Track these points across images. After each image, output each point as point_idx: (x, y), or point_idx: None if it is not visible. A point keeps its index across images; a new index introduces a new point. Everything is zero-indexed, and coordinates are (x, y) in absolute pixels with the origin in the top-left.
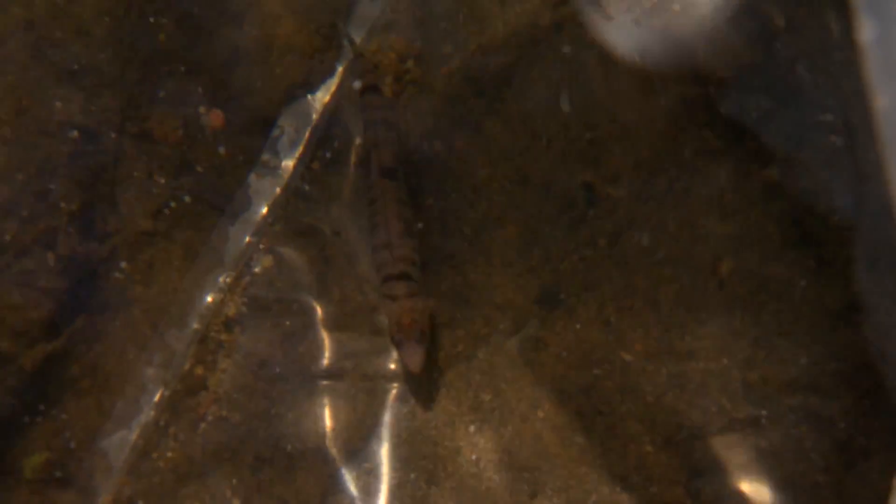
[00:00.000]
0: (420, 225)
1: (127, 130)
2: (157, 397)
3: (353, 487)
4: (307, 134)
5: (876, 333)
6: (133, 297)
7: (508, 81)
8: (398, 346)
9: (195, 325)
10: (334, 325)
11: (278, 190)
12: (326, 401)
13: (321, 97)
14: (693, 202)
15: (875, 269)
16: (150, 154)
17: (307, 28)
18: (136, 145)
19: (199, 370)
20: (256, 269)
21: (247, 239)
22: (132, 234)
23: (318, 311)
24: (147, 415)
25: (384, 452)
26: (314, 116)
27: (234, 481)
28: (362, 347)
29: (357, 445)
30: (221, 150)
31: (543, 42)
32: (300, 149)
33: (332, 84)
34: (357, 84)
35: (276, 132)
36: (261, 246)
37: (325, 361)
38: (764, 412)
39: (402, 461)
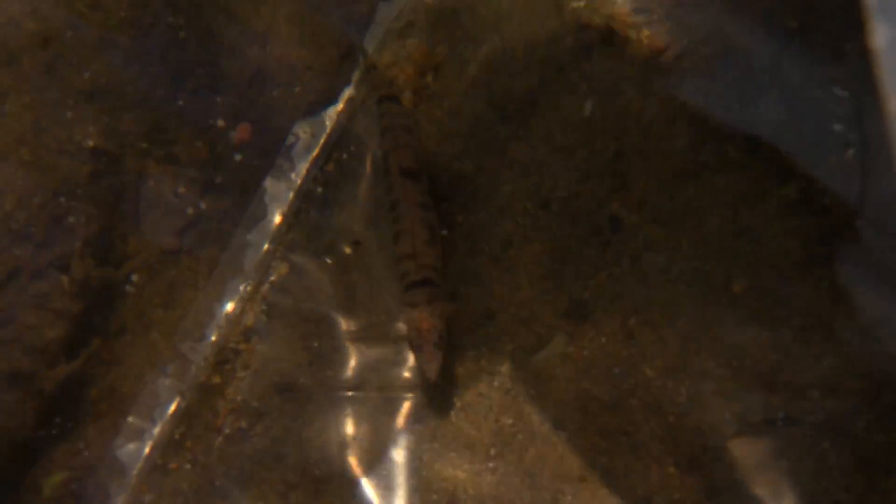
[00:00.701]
0: (444, 232)
1: (152, 153)
2: (172, 408)
3: None
4: (322, 140)
5: None
6: (152, 320)
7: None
8: (416, 350)
9: (213, 337)
10: (354, 335)
11: (292, 195)
12: (346, 414)
13: (336, 107)
14: (709, 221)
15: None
16: (174, 174)
17: (328, 49)
18: (160, 165)
19: (217, 379)
20: (273, 278)
21: (265, 247)
22: (154, 254)
23: (338, 320)
24: (162, 427)
25: (404, 475)
26: (328, 124)
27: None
28: (382, 357)
29: (377, 465)
30: (238, 157)
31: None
32: (315, 153)
33: (347, 93)
34: (373, 95)
35: (290, 139)
36: (277, 254)
37: (346, 372)
38: (785, 430)
39: (423, 483)
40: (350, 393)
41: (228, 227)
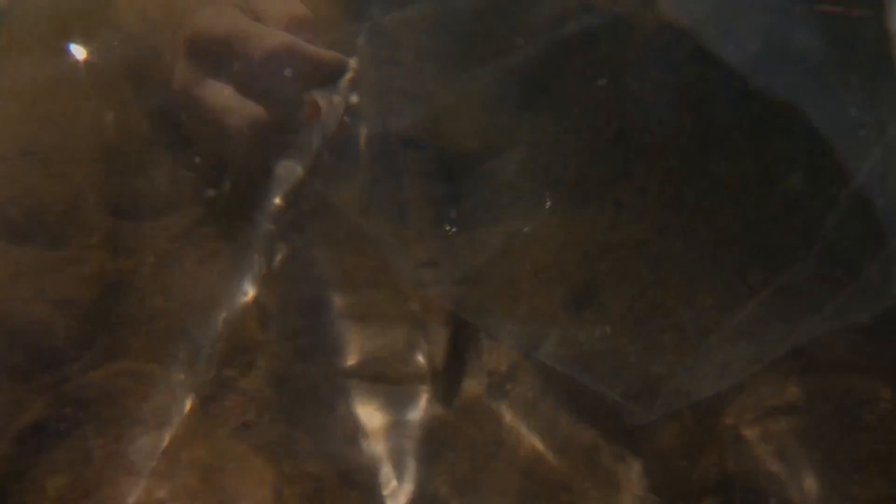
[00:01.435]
0: (453, 212)
1: (159, 140)
2: (182, 402)
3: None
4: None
5: None
6: (159, 311)
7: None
8: (423, 331)
9: (220, 326)
10: (359, 316)
11: (300, 170)
12: (356, 404)
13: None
14: (721, 209)
15: None
16: (182, 161)
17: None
18: (166, 152)
19: (229, 372)
20: (279, 260)
21: (267, 226)
22: (161, 243)
23: (343, 302)
24: (174, 421)
25: (414, 466)
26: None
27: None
28: (391, 341)
29: (387, 455)
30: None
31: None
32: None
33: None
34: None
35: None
36: (280, 233)
37: (354, 357)
38: (802, 422)
39: (431, 476)
40: (356, 381)
41: (235, 210)
